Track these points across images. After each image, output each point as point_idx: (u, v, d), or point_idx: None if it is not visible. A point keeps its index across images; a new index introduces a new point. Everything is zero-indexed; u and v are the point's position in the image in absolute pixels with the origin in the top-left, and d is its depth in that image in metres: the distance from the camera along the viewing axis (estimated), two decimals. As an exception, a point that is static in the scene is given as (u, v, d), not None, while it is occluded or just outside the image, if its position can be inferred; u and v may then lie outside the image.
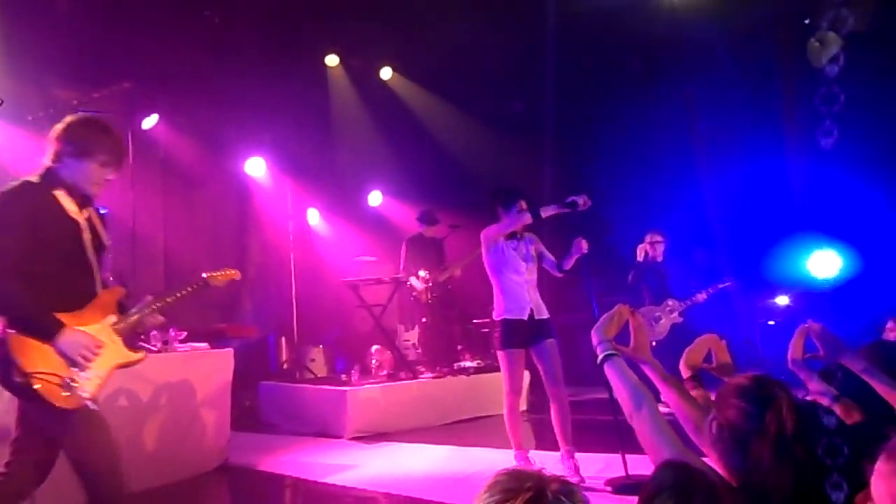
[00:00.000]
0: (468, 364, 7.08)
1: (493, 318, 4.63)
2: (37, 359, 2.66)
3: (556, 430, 4.44)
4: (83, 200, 2.89)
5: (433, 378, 6.78)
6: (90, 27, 6.83)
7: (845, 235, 6.92)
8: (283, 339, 8.20)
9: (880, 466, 1.11)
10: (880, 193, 6.54)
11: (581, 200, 4.36)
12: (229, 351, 5.36)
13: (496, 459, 4.92)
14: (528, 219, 4.46)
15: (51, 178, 2.83)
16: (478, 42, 8.09)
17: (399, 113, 9.23)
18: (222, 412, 5.21)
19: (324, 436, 6.20)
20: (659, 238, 6.93)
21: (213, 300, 8.11)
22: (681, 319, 6.70)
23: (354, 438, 6.05)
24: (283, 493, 4.95)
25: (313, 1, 7.76)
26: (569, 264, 4.57)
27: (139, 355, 3.04)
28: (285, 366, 7.98)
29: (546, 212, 4.43)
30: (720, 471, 1.72)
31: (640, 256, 6.94)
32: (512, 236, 4.58)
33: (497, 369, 4.97)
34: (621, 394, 1.93)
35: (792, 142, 7.37)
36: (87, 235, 2.88)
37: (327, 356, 7.89)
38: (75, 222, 2.83)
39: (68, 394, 2.68)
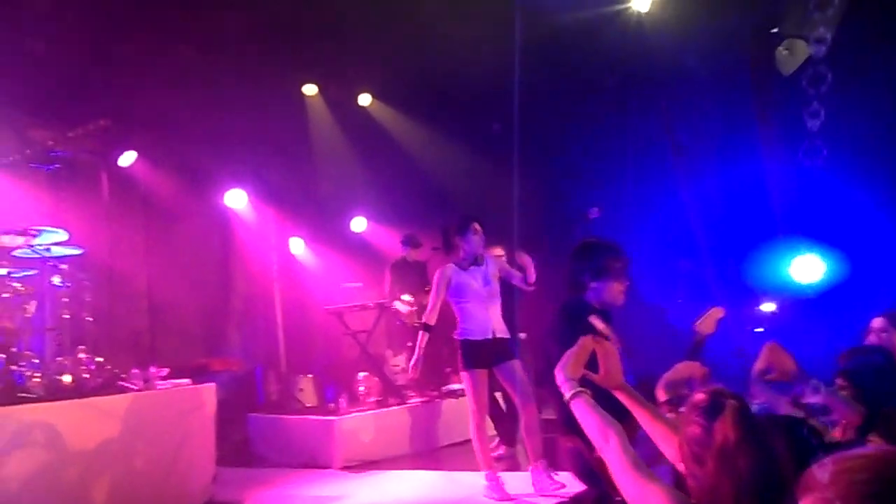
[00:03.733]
0: (456, 387, 7.01)
1: (456, 338, 4.67)
2: None
3: (527, 445, 4.58)
4: None
5: (422, 402, 6.72)
6: (63, 66, 6.83)
7: (828, 238, 6.93)
8: (272, 370, 8.13)
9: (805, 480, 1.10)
10: (862, 193, 6.54)
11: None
12: (211, 386, 5.31)
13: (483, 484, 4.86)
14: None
15: None
16: (454, 65, 8.14)
17: (379, 138, 9.25)
18: (206, 447, 5.14)
19: (313, 467, 6.12)
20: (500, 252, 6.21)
21: (198, 335, 8.07)
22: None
23: (344, 468, 5.97)
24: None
25: (289, 31, 7.80)
26: (532, 278, 4.71)
27: None
28: (274, 397, 7.90)
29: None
30: (692, 490, 1.70)
31: None
32: (473, 262, 4.69)
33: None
34: (590, 430, 1.94)
35: (767, 147, 7.42)
36: None
37: (316, 385, 7.80)
38: None
39: None
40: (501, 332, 4.72)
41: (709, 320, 3.43)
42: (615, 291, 3.43)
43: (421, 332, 4.77)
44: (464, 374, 4.65)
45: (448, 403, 6.81)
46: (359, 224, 9.44)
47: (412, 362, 4.79)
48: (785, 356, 2.39)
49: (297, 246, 8.94)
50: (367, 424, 6.27)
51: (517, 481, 4.84)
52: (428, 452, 6.30)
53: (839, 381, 2.88)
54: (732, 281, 7.50)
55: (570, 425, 2.26)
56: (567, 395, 2.04)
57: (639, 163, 7.97)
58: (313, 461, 6.19)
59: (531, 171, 9.01)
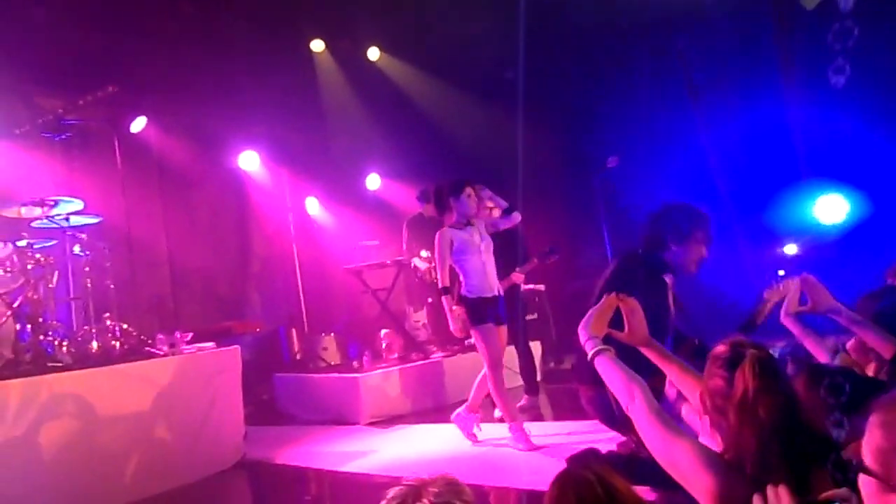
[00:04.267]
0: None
1: (462, 295, 4.74)
2: None
3: (475, 393, 4.88)
4: None
5: (444, 357, 6.76)
6: (69, 33, 6.76)
7: (851, 179, 6.78)
8: (294, 330, 8.21)
9: (872, 419, 1.07)
10: (883, 134, 6.37)
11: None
12: (236, 348, 5.36)
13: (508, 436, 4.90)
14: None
15: None
16: (464, 12, 7.95)
17: (390, 93, 9.12)
18: (234, 409, 5.23)
19: (340, 423, 6.22)
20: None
21: (220, 299, 8.14)
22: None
23: (370, 424, 6.06)
24: (302, 485, 4.96)
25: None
26: (503, 203, 5.13)
27: None
28: (298, 356, 8.00)
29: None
30: (717, 444, 1.69)
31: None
32: (467, 223, 4.80)
33: (507, 342, 5.11)
34: (615, 387, 1.92)
35: (790, 87, 7.21)
36: None
37: (339, 343, 7.89)
38: None
39: None
40: (500, 289, 4.86)
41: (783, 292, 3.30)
42: (693, 258, 3.43)
43: (443, 297, 4.79)
44: (474, 331, 4.70)
45: (471, 357, 6.83)
46: (373, 181, 9.39)
47: (452, 327, 4.81)
48: (819, 287, 2.34)
49: (313, 206, 8.92)
50: (391, 380, 6.33)
51: (542, 430, 4.89)
52: (452, 406, 6.35)
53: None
54: (754, 224, 7.41)
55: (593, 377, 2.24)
56: (590, 353, 2.03)
57: (655, 109, 7.79)
58: (340, 418, 6.28)
59: (544, 118, 8.87)
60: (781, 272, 7.52)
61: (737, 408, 1.61)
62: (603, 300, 2.15)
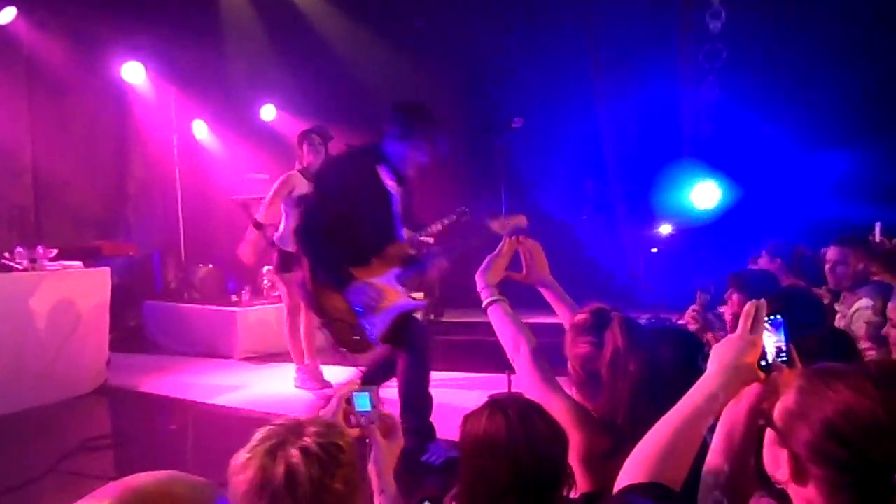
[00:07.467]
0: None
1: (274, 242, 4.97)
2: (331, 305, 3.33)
3: (306, 342, 4.96)
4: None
5: (326, 299, 6.72)
6: None
7: (727, 166, 7.27)
8: (170, 257, 7.84)
9: (793, 379, 1.16)
10: (769, 127, 6.83)
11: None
12: (105, 270, 5.07)
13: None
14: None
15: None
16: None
17: (295, 23, 8.69)
18: (99, 333, 4.97)
19: (212, 357, 6.06)
20: None
21: (90, 217, 7.60)
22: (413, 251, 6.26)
23: (244, 359, 5.95)
24: (167, 414, 4.82)
25: None
26: None
27: (420, 301, 3.69)
28: (172, 285, 7.67)
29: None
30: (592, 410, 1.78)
31: None
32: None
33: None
34: (503, 338, 1.97)
35: (685, 72, 7.57)
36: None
37: (217, 276, 7.63)
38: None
39: (358, 337, 3.32)
40: None
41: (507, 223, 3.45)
42: (410, 159, 3.44)
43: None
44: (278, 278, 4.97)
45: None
46: (268, 112, 9.00)
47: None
48: (538, 255, 2.18)
49: (201, 129, 8.44)
50: (271, 318, 6.21)
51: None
52: (330, 347, 6.35)
53: (731, 291, 3.11)
54: (635, 202, 7.81)
55: None
56: (484, 302, 2.05)
57: (559, 77, 7.95)
58: (212, 351, 6.13)
59: (452, 73, 8.83)
60: (654, 250, 8.05)
61: (608, 366, 1.70)
62: (501, 245, 2.14)
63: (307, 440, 1.20)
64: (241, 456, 1.20)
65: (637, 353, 1.69)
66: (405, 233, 6.08)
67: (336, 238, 3.32)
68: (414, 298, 3.57)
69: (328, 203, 3.35)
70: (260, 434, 1.23)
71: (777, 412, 1.11)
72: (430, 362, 3.52)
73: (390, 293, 3.40)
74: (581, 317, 1.85)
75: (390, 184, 3.46)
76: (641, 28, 7.43)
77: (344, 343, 3.46)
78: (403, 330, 3.39)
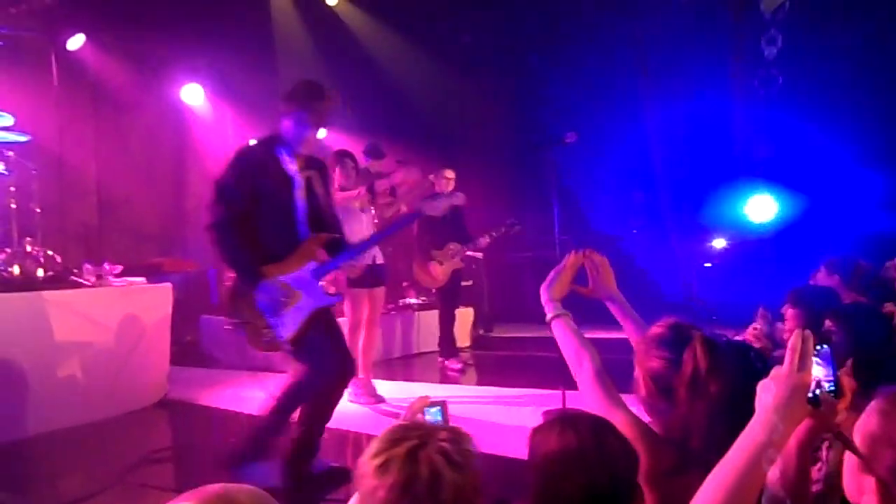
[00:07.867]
0: (413, 301, 7.10)
1: None
2: (243, 306, 3.20)
3: (363, 357, 4.97)
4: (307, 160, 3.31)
5: (392, 310, 6.83)
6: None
7: (784, 180, 7.10)
8: (226, 272, 8.03)
9: (873, 404, 1.13)
10: (824, 139, 6.67)
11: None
12: (168, 285, 5.22)
13: (433, 394, 4.99)
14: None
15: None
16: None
17: (345, 41, 8.88)
18: (161, 347, 5.11)
19: (267, 370, 6.16)
20: (451, 175, 6.12)
21: (150, 234, 7.86)
22: (462, 265, 6.12)
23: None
24: (223, 426, 4.91)
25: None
26: None
27: (334, 296, 3.41)
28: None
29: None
30: (653, 424, 1.76)
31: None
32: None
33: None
34: (566, 352, 1.95)
35: (739, 87, 7.45)
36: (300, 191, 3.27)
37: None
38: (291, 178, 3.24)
39: (268, 338, 3.17)
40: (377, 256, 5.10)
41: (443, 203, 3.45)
42: (302, 137, 3.28)
43: None
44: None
45: (404, 317, 6.90)
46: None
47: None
48: (605, 269, 2.17)
49: (255, 148, 8.66)
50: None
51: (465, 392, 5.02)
52: (382, 362, 6.41)
53: (788, 307, 3.02)
54: (687, 215, 7.68)
55: None
56: (548, 317, 2.04)
57: (608, 93, 7.91)
58: (268, 365, 6.22)
59: (499, 88, 8.87)
60: (708, 264, 7.89)
61: (687, 386, 1.66)
62: (565, 259, 2.13)
63: (444, 444, 1.17)
64: (375, 457, 1.17)
65: (718, 375, 1.65)
66: (453, 246, 6.15)
67: (242, 232, 3.18)
68: (328, 294, 3.31)
69: (226, 195, 3.19)
70: (388, 435, 1.19)
71: (859, 438, 1.09)
72: (319, 391, 3.30)
73: (302, 290, 3.19)
74: (657, 330, 1.80)
75: (292, 168, 3.28)
76: (691, 40, 7.35)
77: (255, 343, 3.31)
78: (314, 347, 3.20)
